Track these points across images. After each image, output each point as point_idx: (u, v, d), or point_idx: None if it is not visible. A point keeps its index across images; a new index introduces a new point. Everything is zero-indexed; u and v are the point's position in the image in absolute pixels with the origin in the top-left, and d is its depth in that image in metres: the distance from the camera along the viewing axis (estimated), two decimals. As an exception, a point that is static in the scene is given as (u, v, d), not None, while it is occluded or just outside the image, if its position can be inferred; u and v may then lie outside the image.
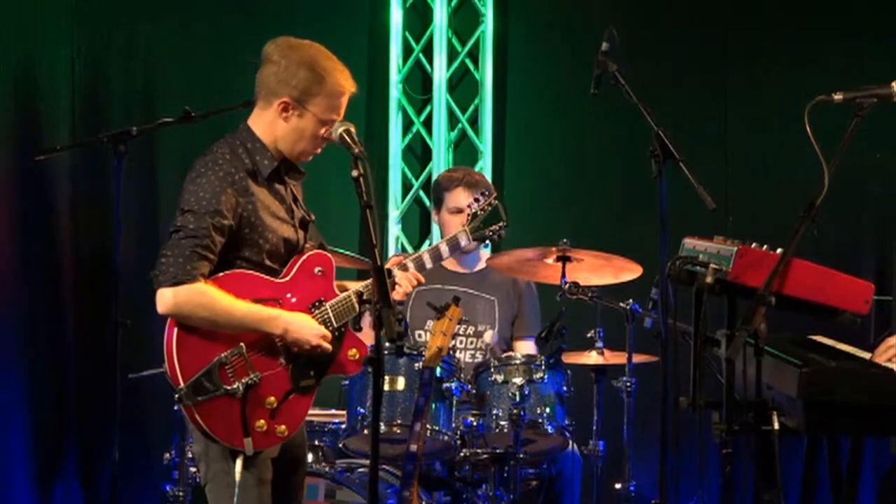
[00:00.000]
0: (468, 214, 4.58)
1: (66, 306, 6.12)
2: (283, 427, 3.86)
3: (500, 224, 4.58)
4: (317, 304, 3.94)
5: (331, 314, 3.94)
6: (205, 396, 3.76)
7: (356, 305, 3.98)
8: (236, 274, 3.85)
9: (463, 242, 4.50)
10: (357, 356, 3.98)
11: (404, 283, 4.13)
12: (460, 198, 5.71)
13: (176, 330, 3.78)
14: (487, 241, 4.68)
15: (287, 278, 3.93)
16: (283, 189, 3.98)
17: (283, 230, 3.92)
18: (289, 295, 3.91)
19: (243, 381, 3.79)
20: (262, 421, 3.83)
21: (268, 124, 3.95)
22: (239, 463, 3.79)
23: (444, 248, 4.42)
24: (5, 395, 5.91)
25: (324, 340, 3.88)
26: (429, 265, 4.28)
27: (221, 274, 3.83)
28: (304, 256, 3.96)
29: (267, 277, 3.89)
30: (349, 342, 3.99)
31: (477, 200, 4.62)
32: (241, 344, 3.81)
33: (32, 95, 6.06)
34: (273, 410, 3.85)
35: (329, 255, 4.03)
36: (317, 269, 3.97)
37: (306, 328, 3.86)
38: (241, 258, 3.87)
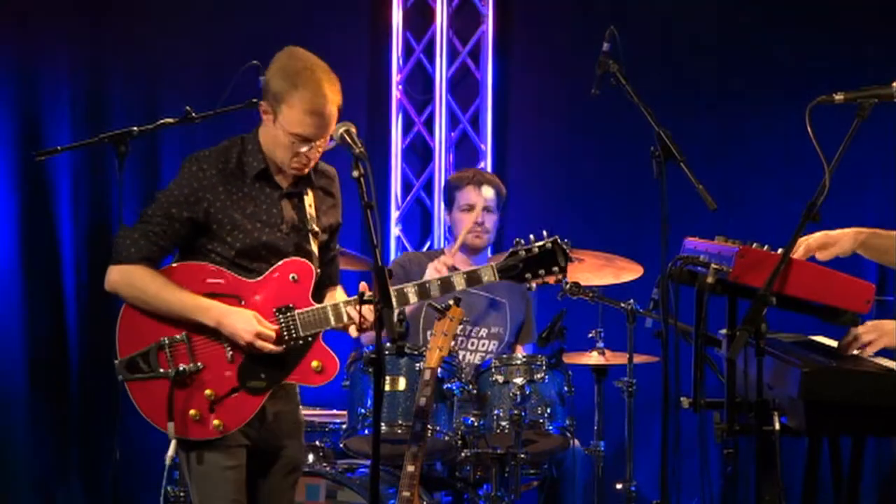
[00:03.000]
0: (512, 250, 4.00)
1: (67, 306, 6.12)
2: (220, 422, 3.87)
3: (555, 269, 3.95)
4: (284, 309, 3.91)
5: (297, 321, 3.91)
6: (139, 375, 3.89)
7: (332, 320, 3.91)
8: (197, 265, 3.93)
9: (485, 278, 3.99)
10: (321, 369, 3.92)
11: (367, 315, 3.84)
12: (471, 195, 5.73)
13: (124, 307, 3.95)
14: (530, 286, 3.97)
15: (258, 279, 3.93)
16: (279, 195, 3.97)
17: (262, 233, 3.93)
18: (255, 296, 3.91)
19: (179, 367, 3.85)
20: (195, 411, 3.87)
21: (262, 128, 4.00)
22: (171, 447, 3.87)
23: (459, 280, 3.99)
24: (7, 395, 5.91)
25: (261, 339, 3.84)
26: (435, 295, 4.00)
27: (182, 262, 3.94)
28: (282, 261, 3.94)
29: (233, 274, 3.92)
30: (316, 353, 3.93)
31: (532, 238, 3.98)
32: (185, 332, 3.88)
33: (33, 95, 6.06)
34: (212, 403, 3.87)
35: (310, 265, 3.96)
36: (292, 276, 3.93)
37: (241, 322, 3.84)
38: (213, 251, 3.93)
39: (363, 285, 3.86)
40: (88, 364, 6.07)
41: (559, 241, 4.00)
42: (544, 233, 4.01)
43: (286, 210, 3.98)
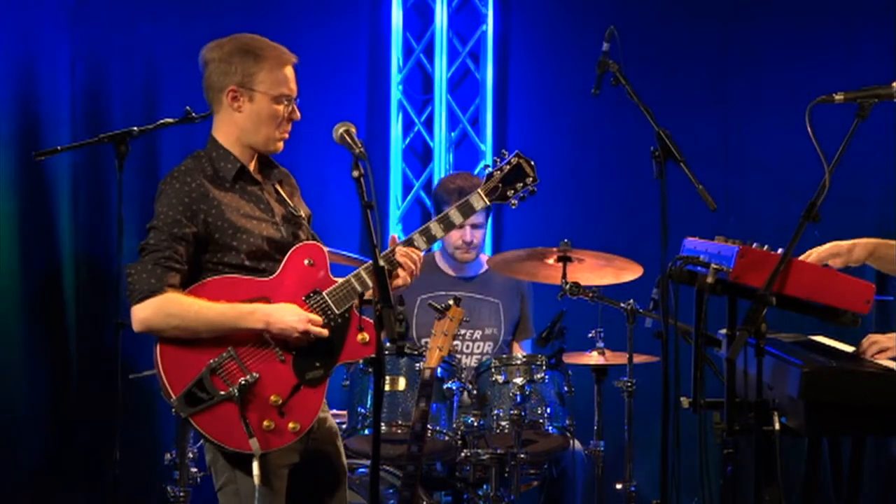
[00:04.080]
0: (487, 175, 4.13)
1: (66, 306, 6.11)
2: (295, 423, 3.80)
3: (527, 180, 4.13)
4: (312, 294, 3.87)
5: (329, 301, 3.87)
6: (200, 406, 3.76)
7: (357, 288, 3.88)
8: (217, 280, 3.84)
9: (477, 205, 4.09)
10: (367, 340, 3.88)
11: (404, 260, 3.93)
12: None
13: (159, 345, 3.79)
14: (513, 203, 4.15)
15: (275, 276, 3.88)
16: (259, 189, 3.95)
17: (262, 229, 3.88)
18: (281, 292, 3.86)
19: (241, 382, 3.76)
20: (268, 421, 3.78)
21: (226, 124, 3.95)
22: (255, 466, 3.73)
23: (455, 214, 4.06)
24: (6, 395, 5.91)
25: (313, 325, 3.80)
26: (439, 235, 4.04)
27: (202, 282, 3.83)
28: (291, 251, 3.90)
29: (252, 278, 3.85)
30: (357, 326, 3.90)
31: (497, 161, 4.16)
32: (230, 347, 3.80)
33: (33, 95, 6.05)
34: (280, 408, 3.80)
35: (319, 245, 3.94)
36: (306, 261, 3.90)
37: (289, 315, 3.79)
38: (222, 263, 3.85)
39: (393, 237, 3.97)
40: (88, 364, 6.07)
41: (521, 154, 4.15)
42: (503, 151, 4.19)
43: (272, 202, 3.97)
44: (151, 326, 3.77)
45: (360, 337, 3.89)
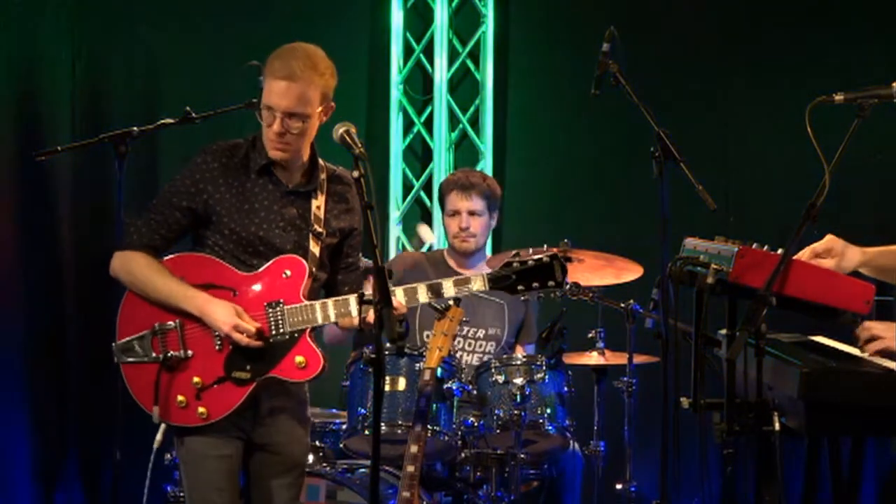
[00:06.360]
0: (507, 261, 3.95)
1: (67, 306, 6.12)
2: (205, 410, 3.93)
3: (550, 283, 3.91)
4: (274, 304, 3.96)
5: (285, 315, 3.95)
6: (132, 359, 3.98)
7: (318, 318, 3.94)
8: (197, 256, 4.03)
9: (474, 286, 3.98)
10: (304, 365, 3.94)
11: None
12: (455, 200, 5.71)
13: (126, 292, 4.05)
14: (522, 297, 3.96)
15: (253, 273, 3.99)
16: (280, 191, 4.02)
17: (257, 227, 3.99)
18: (248, 289, 3.97)
19: (168, 353, 3.93)
20: (182, 397, 3.93)
21: None
22: (161, 431, 4.03)
23: (448, 286, 3.97)
24: (6, 395, 5.91)
25: (238, 332, 3.88)
26: (423, 299, 3.98)
27: (183, 253, 4.04)
28: (278, 257, 3.99)
29: (231, 267, 3.99)
30: (301, 349, 3.96)
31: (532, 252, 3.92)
32: (179, 319, 3.96)
33: (33, 96, 6.06)
34: (198, 391, 3.93)
35: (303, 262, 3.99)
36: (284, 272, 3.98)
37: (220, 314, 3.90)
38: (214, 242, 4.01)
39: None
40: (88, 364, 6.07)
41: (559, 256, 3.96)
42: (545, 246, 4.05)
43: (287, 208, 4.03)
44: (116, 274, 4.05)
45: (298, 359, 3.95)
